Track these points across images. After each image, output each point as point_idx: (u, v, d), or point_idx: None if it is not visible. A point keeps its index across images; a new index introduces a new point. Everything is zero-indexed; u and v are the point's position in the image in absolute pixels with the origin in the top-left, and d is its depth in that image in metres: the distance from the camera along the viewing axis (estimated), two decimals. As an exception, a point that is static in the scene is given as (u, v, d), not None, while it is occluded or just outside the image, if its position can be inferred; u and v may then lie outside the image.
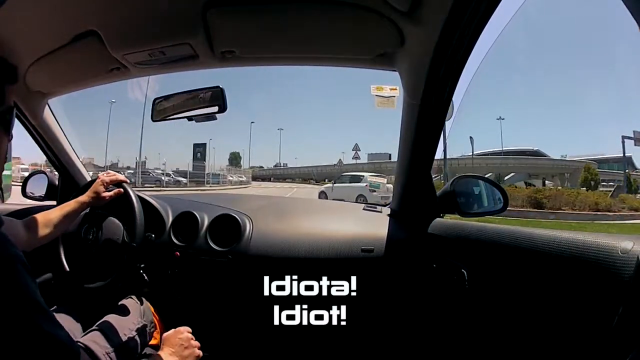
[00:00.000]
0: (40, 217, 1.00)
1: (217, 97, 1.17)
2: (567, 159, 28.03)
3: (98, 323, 0.95)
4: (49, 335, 0.52)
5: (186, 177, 25.06)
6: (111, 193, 1.13)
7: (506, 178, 24.05)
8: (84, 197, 1.09)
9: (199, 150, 34.02)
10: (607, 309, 0.52)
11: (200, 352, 1.00)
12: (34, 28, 0.97)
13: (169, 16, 0.93)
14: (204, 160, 31.19)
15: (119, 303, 1.07)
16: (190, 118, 1.22)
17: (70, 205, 1.06)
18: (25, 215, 1.01)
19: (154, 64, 1.12)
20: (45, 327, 0.52)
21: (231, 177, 31.18)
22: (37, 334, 0.51)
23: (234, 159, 51.11)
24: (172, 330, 1.04)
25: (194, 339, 1.02)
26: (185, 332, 1.02)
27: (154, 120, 1.25)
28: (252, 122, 57.19)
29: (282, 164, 52.91)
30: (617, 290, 0.51)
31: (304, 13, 0.92)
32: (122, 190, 1.16)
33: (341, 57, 1.12)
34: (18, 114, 1.30)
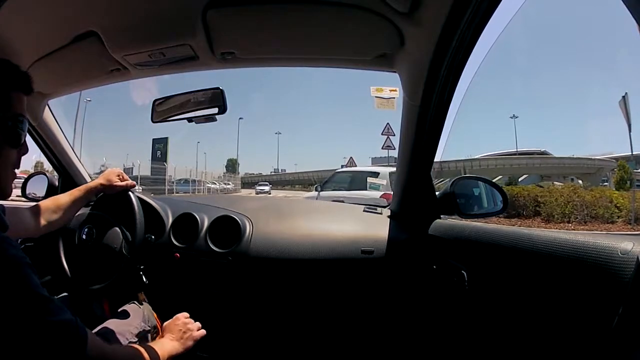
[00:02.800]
0: (49, 202, 1.02)
1: (217, 99, 1.17)
2: (592, 157, 26.39)
3: (98, 327, 0.95)
4: (54, 323, 0.54)
5: (139, 185, 16.23)
6: (123, 183, 1.15)
7: (520, 180, 23.58)
8: (94, 183, 1.13)
9: (159, 148, 26.24)
10: (607, 310, 0.52)
11: (200, 333, 1.00)
12: (34, 29, 0.97)
13: (169, 17, 0.93)
14: (165, 162, 23.06)
15: (121, 308, 1.07)
16: (190, 119, 1.22)
17: (80, 190, 1.09)
18: None
19: (153, 65, 1.12)
20: (49, 317, 0.54)
21: (212, 183, 25.38)
22: (43, 325, 0.53)
23: (231, 166, 50.58)
24: (170, 319, 1.03)
25: (192, 322, 1.01)
26: (182, 317, 1.01)
27: (154, 122, 1.25)
28: (240, 118, 50.32)
29: (280, 170, 52.17)
30: (617, 291, 0.51)
31: (304, 14, 0.93)
32: (134, 183, 1.19)
33: (341, 58, 1.12)
34: None
